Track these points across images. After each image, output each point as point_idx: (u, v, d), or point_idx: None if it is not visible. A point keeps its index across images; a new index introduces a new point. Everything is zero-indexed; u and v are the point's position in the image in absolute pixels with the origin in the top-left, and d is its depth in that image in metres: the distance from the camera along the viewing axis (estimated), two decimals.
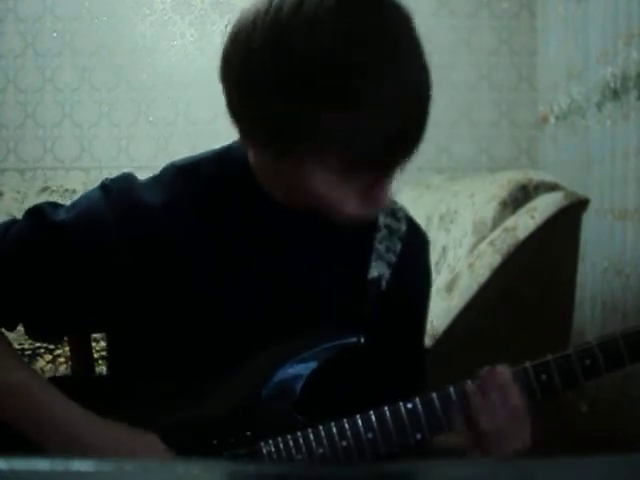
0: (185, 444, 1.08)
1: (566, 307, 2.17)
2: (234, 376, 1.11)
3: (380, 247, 1.18)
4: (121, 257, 1.08)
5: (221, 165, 1.14)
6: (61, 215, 1.10)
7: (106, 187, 1.12)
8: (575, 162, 2.82)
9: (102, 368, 1.31)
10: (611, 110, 2.46)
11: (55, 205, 1.13)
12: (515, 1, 3.41)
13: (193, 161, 1.16)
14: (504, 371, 1.09)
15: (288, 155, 1.00)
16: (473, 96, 3.40)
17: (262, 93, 0.97)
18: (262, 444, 1.09)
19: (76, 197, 1.16)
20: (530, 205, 2.08)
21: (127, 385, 1.15)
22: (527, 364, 1.09)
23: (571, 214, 2.09)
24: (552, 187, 2.13)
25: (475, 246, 2.10)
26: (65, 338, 1.33)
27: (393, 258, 1.18)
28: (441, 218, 2.47)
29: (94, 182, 1.15)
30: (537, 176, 2.21)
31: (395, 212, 1.20)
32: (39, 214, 1.11)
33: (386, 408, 1.08)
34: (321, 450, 1.08)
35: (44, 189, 3.44)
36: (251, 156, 1.10)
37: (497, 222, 2.10)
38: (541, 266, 2.10)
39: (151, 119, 3.56)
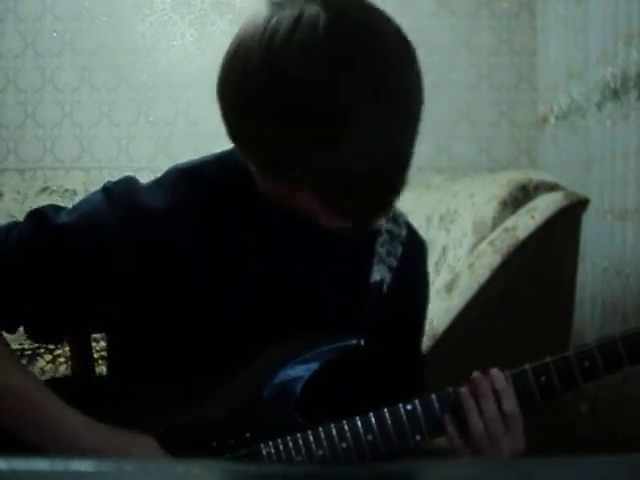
0: (185, 445, 1.08)
1: (566, 307, 2.17)
2: (234, 378, 1.11)
3: (382, 251, 1.18)
4: (123, 260, 1.08)
5: (223, 169, 1.14)
6: (63, 218, 1.10)
7: (108, 190, 1.12)
8: (575, 162, 2.81)
9: (102, 368, 1.31)
10: (611, 110, 2.46)
11: (57, 208, 1.13)
12: (515, 1, 3.41)
13: (195, 164, 1.16)
14: (498, 375, 1.09)
15: (280, 180, 0.99)
16: (473, 96, 3.40)
17: (257, 118, 0.96)
18: (262, 445, 1.09)
19: (76, 197, 1.16)
20: (530, 205, 2.08)
21: (127, 386, 1.15)
22: (526, 366, 1.10)
23: (571, 214, 2.09)
24: (552, 187, 2.13)
25: (475, 246, 2.10)
26: (65, 338, 1.33)
27: (394, 262, 1.18)
28: (441, 218, 2.47)
29: (94, 182, 1.16)
30: (537, 176, 2.20)
31: (396, 217, 1.21)
32: (41, 217, 1.11)
33: (385, 410, 1.09)
34: (321, 452, 1.08)
35: (44, 189, 3.44)
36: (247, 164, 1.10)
37: (497, 222, 2.10)
38: (541, 266, 2.10)
39: (151, 119, 3.56)
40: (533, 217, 2.03)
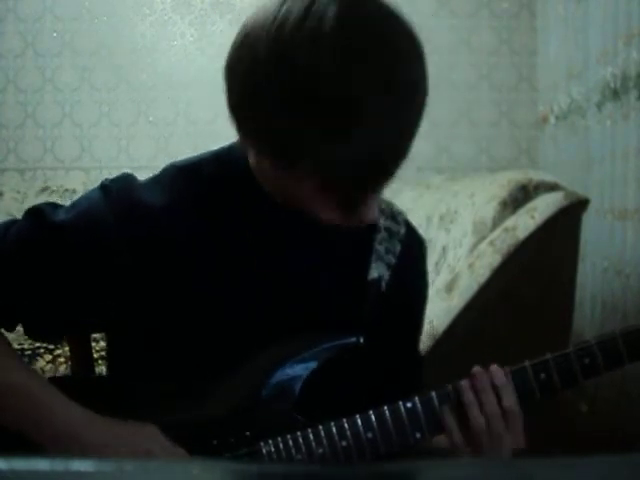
0: (185, 444, 1.08)
1: (566, 307, 2.17)
2: (234, 376, 1.11)
3: (380, 248, 1.18)
4: (121, 257, 1.08)
5: (221, 165, 1.14)
6: (61, 215, 1.10)
7: (106, 187, 1.12)
8: (575, 162, 2.82)
9: (102, 368, 1.31)
10: (611, 110, 2.46)
11: (55, 205, 1.13)
12: (515, 1, 3.41)
13: (193, 161, 1.16)
14: (498, 371, 1.09)
15: (289, 170, 1.00)
16: (473, 96, 3.40)
17: (266, 107, 0.96)
18: (262, 444, 1.09)
19: (76, 197, 1.16)
20: (530, 205, 2.08)
21: (127, 385, 1.15)
22: (526, 363, 1.10)
23: (571, 214, 2.09)
24: (552, 187, 2.13)
25: (475, 246, 2.10)
26: (65, 338, 1.33)
27: (393, 260, 1.18)
28: (441, 218, 2.47)
29: (94, 182, 1.16)
30: (537, 176, 2.20)
31: (395, 215, 1.21)
32: (39, 214, 1.11)
33: (385, 408, 1.09)
34: (321, 450, 1.08)
35: (44, 189, 3.44)
36: (251, 157, 1.10)
37: (497, 222, 2.10)
38: (541, 266, 2.10)
39: (151, 119, 3.56)
40: (533, 217, 2.03)
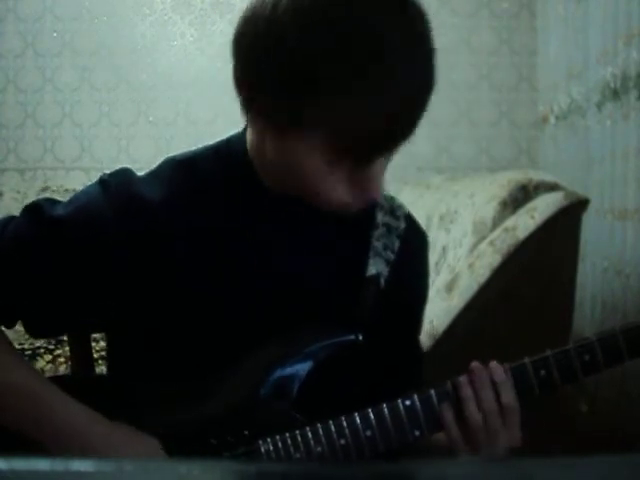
0: (184, 443, 1.08)
1: (566, 307, 2.17)
2: (232, 375, 1.11)
3: (378, 244, 1.18)
4: (119, 251, 1.08)
5: (220, 159, 1.14)
6: (59, 210, 1.10)
7: (104, 182, 1.12)
8: (575, 162, 2.82)
9: (102, 368, 1.31)
10: (611, 110, 2.46)
11: (53, 201, 1.13)
12: (515, 1, 3.41)
13: (192, 155, 1.16)
14: (497, 367, 1.09)
15: (301, 139, 1.00)
16: (473, 96, 3.40)
17: (267, 74, 0.98)
18: (260, 443, 1.09)
19: (75, 192, 1.16)
20: (530, 205, 2.08)
21: (126, 385, 1.15)
22: (526, 359, 1.09)
23: (571, 214, 2.09)
24: (552, 187, 2.13)
25: (475, 246, 2.10)
26: (65, 338, 1.33)
27: (391, 256, 1.18)
28: (441, 218, 2.47)
29: None
30: (537, 176, 2.20)
31: (394, 210, 1.21)
32: (37, 210, 1.11)
33: (384, 405, 1.08)
34: (319, 448, 1.08)
35: (44, 189, 3.44)
36: (252, 145, 1.10)
37: (497, 222, 2.10)
38: (541, 266, 2.10)
39: (151, 119, 3.57)
40: (533, 217, 2.03)
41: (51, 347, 2.45)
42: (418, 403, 1.09)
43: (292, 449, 1.08)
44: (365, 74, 0.95)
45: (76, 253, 1.08)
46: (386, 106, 0.97)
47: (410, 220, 1.22)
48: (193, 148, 1.19)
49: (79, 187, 1.16)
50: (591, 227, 2.47)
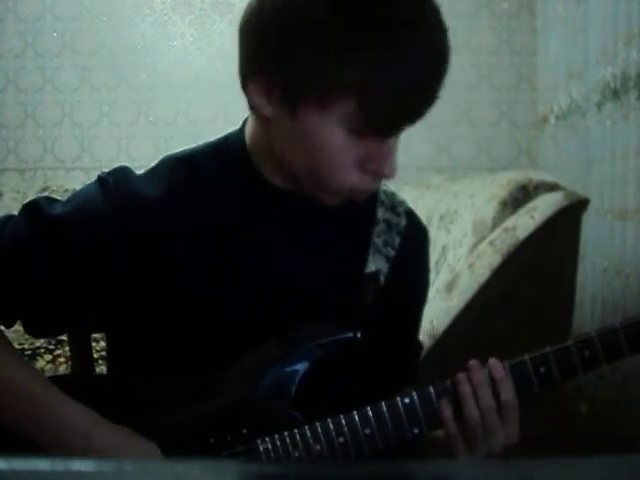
0: (183, 442, 1.08)
1: (566, 307, 2.17)
2: (231, 374, 1.11)
3: (378, 241, 1.17)
4: (118, 250, 1.08)
5: (219, 155, 1.14)
6: (57, 209, 1.10)
7: (102, 180, 1.12)
8: (575, 162, 2.82)
9: (102, 368, 1.31)
10: (611, 110, 2.46)
11: (51, 200, 1.13)
12: (515, 1, 3.41)
13: (190, 152, 1.16)
14: (496, 364, 1.09)
15: (311, 107, 1.00)
16: (473, 96, 3.40)
17: (296, 46, 0.99)
18: (259, 442, 1.09)
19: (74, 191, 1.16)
20: (530, 205, 2.08)
21: (126, 384, 1.14)
22: (525, 356, 1.09)
23: (571, 214, 2.09)
24: (552, 187, 2.13)
25: (475, 246, 2.10)
26: (65, 338, 1.33)
27: (392, 252, 1.17)
28: (441, 218, 2.47)
29: None
30: (537, 176, 2.21)
31: (395, 206, 1.20)
32: (35, 209, 1.11)
33: (383, 403, 1.08)
34: (318, 447, 1.08)
35: (44, 189, 3.44)
36: (253, 135, 1.10)
37: (497, 222, 2.10)
38: (541, 266, 2.10)
39: (151, 119, 3.57)
40: (533, 217, 2.03)
41: (51, 347, 2.45)
42: (417, 401, 1.08)
43: (291, 448, 1.08)
44: (398, 39, 0.97)
45: (75, 252, 1.08)
46: (417, 70, 0.99)
47: (411, 216, 1.22)
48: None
49: (79, 187, 1.16)
50: (591, 227, 2.47)
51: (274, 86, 1.02)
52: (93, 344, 1.32)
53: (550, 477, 0.53)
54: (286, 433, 1.08)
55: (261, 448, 1.08)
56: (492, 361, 1.09)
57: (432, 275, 1.37)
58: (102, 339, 1.26)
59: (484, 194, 2.23)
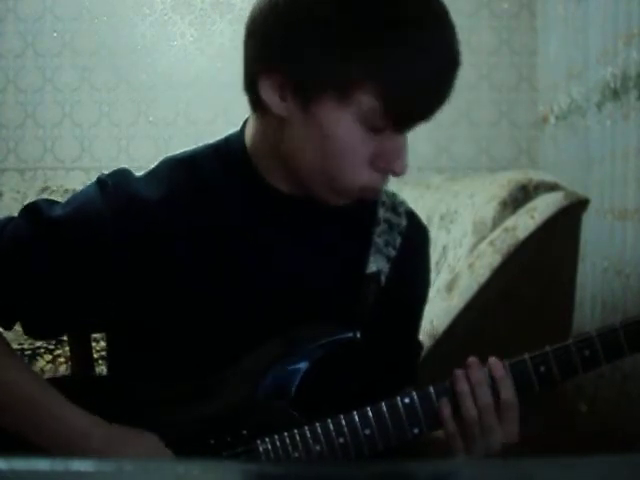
0: (183, 443, 1.08)
1: (566, 307, 2.17)
2: (231, 375, 1.11)
3: (379, 241, 1.17)
4: (118, 252, 1.08)
5: (219, 157, 1.14)
6: (57, 211, 1.10)
7: (102, 182, 1.12)
8: (575, 162, 2.82)
9: (102, 368, 1.31)
10: (611, 110, 2.46)
11: (51, 202, 1.13)
12: (515, 1, 3.41)
13: (191, 154, 1.16)
14: (496, 363, 1.09)
15: (325, 102, 1.00)
16: (473, 96, 3.40)
17: (314, 41, 1.00)
18: (259, 442, 1.09)
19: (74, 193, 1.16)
20: (530, 205, 2.08)
21: (126, 385, 1.14)
22: (525, 355, 1.09)
23: (571, 214, 2.09)
24: (552, 187, 2.13)
25: (475, 246, 2.10)
26: (65, 338, 1.33)
27: (393, 252, 1.17)
28: (441, 218, 2.47)
29: None
30: (537, 176, 2.21)
31: (396, 206, 1.21)
32: (35, 211, 1.11)
33: (383, 403, 1.08)
34: (318, 447, 1.08)
35: (44, 189, 3.44)
36: (255, 136, 1.10)
37: (497, 222, 2.10)
38: (541, 266, 2.10)
39: (151, 119, 3.57)
40: (533, 217, 2.03)
41: (51, 347, 2.45)
42: (417, 401, 1.08)
43: (291, 448, 1.08)
44: (418, 34, 0.99)
45: (74, 254, 1.08)
46: (435, 63, 1.00)
47: (412, 216, 1.22)
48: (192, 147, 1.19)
49: (79, 187, 1.16)
50: (591, 227, 2.47)
51: (288, 83, 1.02)
52: (93, 344, 1.32)
53: (550, 477, 0.53)
54: (286, 434, 1.08)
55: (261, 449, 1.08)
56: (492, 360, 1.09)
57: (432, 275, 1.37)
58: (102, 339, 1.26)
59: (484, 194, 2.23)
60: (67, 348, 1.34)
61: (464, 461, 1.02)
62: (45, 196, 3.31)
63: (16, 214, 1.13)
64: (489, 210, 2.13)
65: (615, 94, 2.42)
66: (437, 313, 1.93)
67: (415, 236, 1.22)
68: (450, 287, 2.00)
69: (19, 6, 3.60)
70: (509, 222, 2.06)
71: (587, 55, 2.69)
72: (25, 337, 1.15)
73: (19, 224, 1.11)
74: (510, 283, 2.03)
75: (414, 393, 1.09)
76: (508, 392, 1.07)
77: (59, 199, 1.16)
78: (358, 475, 0.53)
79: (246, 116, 1.14)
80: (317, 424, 1.08)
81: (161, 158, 1.19)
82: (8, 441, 1.03)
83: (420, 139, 3.33)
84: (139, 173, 1.16)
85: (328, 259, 1.16)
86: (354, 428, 1.08)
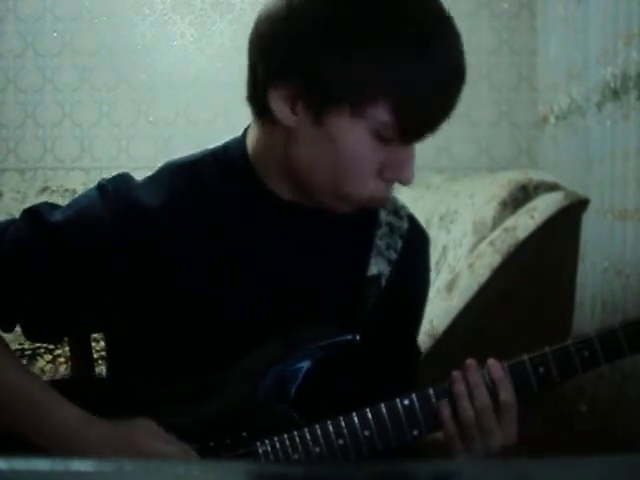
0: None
1: (566, 307, 2.17)
2: (230, 376, 1.11)
3: (380, 244, 1.18)
4: (118, 256, 1.08)
5: (220, 163, 1.14)
6: (57, 216, 1.10)
7: (102, 187, 1.12)
8: (575, 162, 2.82)
9: (102, 368, 1.31)
10: (611, 110, 2.46)
11: (52, 206, 1.13)
12: (515, 1, 3.41)
13: (191, 159, 1.16)
14: (495, 365, 1.09)
15: (334, 114, 1.01)
16: (473, 96, 3.40)
17: (328, 52, 1.00)
18: (258, 444, 1.09)
19: (74, 197, 1.16)
20: (530, 205, 2.08)
21: (125, 386, 1.15)
22: (524, 356, 1.08)
23: (571, 214, 2.09)
24: (552, 187, 2.13)
25: (475, 246, 2.10)
26: (65, 338, 1.33)
27: (394, 255, 1.18)
28: (441, 218, 2.47)
29: (94, 182, 1.16)
30: (537, 176, 2.21)
31: (397, 210, 1.21)
32: (36, 215, 1.11)
33: (382, 405, 1.08)
34: (318, 449, 1.08)
35: (44, 189, 3.44)
36: (257, 145, 1.10)
37: (497, 222, 2.10)
38: (541, 266, 2.10)
39: (151, 119, 3.57)
40: (533, 217, 2.03)
41: (51, 347, 2.45)
42: (416, 402, 1.08)
43: (290, 450, 1.08)
44: (428, 42, 1.00)
45: (74, 258, 1.08)
46: (447, 78, 1.03)
47: (413, 220, 1.23)
48: (193, 149, 1.19)
49: (79, 187, 1.17)
50: (591, 227, 2.47)
51: (300, 96, 1.02)
52: (93, 344, 1.32)
53: (549, 477, 0.53)
54: (285, 435, 1.08)
55: (260, 451, 1.08)
56: (491, 361, 1.09)
57: (432, 275, 1.37)
58: (102, 339, 1.26)
59: (484, 194, 2.23)
60: (67, 348, 1.34)
61: (464, 461, 1.02)
62: (45, 196, 3.31)
63: (16, 214, 1.14)
64: (489, 210, 2.13)
65: (615, 94, 2.42)
66: (437, 313, 1.93)
67: (416, 240, 1.22)
68: (450, 287, 2.00)
69: (19, 6, 3.60)
70: (509, 222, 2.06)
71: (587, 55, 2.69)
72: (24, 337, 1.15)
73: (20, 227, 1.11)
74: (510, 283, 2.03)
75: (413, 395, 1.09)
76: (507, 393, 1.07)
77: (59, 199, 1.16)
78: (358, 475, 0.53)
79: (246, 116, 1.14)
80: (317, 426, 1.08)
81: (161, 158, 1.19)
82: (8, 441, 1.03)
83: None
84: (139, 173, 1.16)
85: (329, 261, 1.16)
86: (353, 430, 1.08)
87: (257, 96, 1.06)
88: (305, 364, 1.12)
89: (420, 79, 1.00)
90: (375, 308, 1.16)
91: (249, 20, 1.09)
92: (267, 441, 1.08)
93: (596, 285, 2.56)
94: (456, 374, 1.08)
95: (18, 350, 2.28)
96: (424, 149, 1.06)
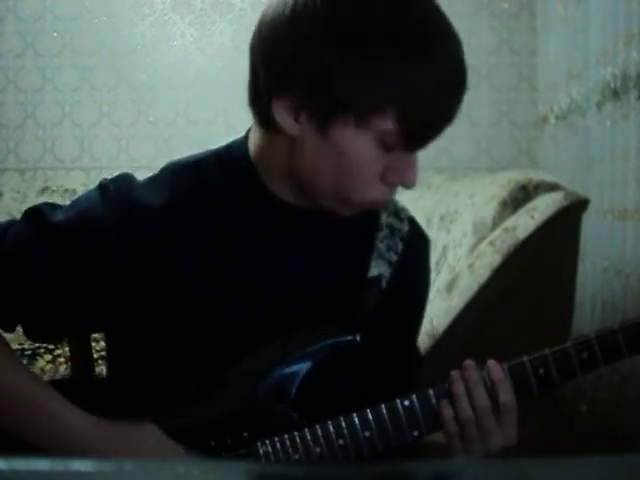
0: (182, 446, 1.08)
1: (566, 307, 2.17)
2: (231, 376, 1.11)
3: (381, 246, 1.18)
4: (119, 256, 1.08)
5: (222, 164, 1.14)
6: (59, 216, 1.10)
7: (104, 187, 1.12)
8: (575, 162, 2.82)
9: (102, 368, 1.31)
10: (611, 110, 2.46)
11: (53, 206, 1.13)
12: (515, 1, 3.41)
13: (194, 160, 1.16)
14: (495, 366, 1.09)
15: (339, 123, 1.01)
16: (473, 96, 3.39)
17: (332, 60, 1.00)
18: (259, 445, 1.09)
19: (76, 197, 1.16)
20: (530, 205, 2.08)
21: (125, 387, 1.15)
22: (524, 358, 1.09)
23: (571, 214, 2.09)
24: (552, 187, 2.13)
25: (475, 246, 2.10)
26: (65, 338, 1.33)
27: (394, 257, 1.18)
28: (441, 218, 2.47)
29: (94, 182, 1.16)
30: (537, 176, 2.21)
31: (398, 212, 1.21)
32: (37, 215, 1.11)
33: (383, 406, 1.08)
34: (318, 449, 1.08)
35: (44, 189, 3.44)
36: (259, 149, 1.10)
37: (497, 222, 2.10)
38: (541, 266, 2.10)
39: (151, 119, 3.56)
40: (533, 217, 2.03)
41: (51, 347, 2.45)
42: (417, 403, 1.08)
43: (291, 450, 1.08)
44: (430, 43, 1.01)
45: (76, 258, 1.08)
46: (451, 86, 1.03)
47: (413, 223, 1.23)
48: (193, 149, 1.19)
49: (79, 187, 1.17)
50: (591, 227, 2.47)
51: (304, 106, 1.02)
52: (93, 344, 1.32)
53: (549, 477, 0.53)
54: (286, 436, 1.08)
55: (261, 451, 1.08)
56: (490, 363, 1.09)
57: (432, 275, 1.37)
58: (102, 339, 1.26)
59: (484, 194, 2.23)
60: (67, 348, 1.34)
61: (464, 461, 1.02)
62: (45, 196, 3.31)
63: (16, 214, 1.14)
64: (489, 210, 2.13)
65: (615, 94, 2.42)
66: (437, 313, 1.93)
67: (417, 242, 1.23)
68: (450, 287, 2.00)
69: (19, 6, 3.60)
70: (509, 222, 2.06)
71: (587, 55, 2.69)
72: (25, 337, 1.15)
73: (21, 227, 1.11)
74: (510, 283, 2.03)
75: (414, 396, 1.09)
76: (507, 395, 1.07)
77: (59, 199, 1.16)
78: (358, 475, 0.53)
79: (246, 117, 1.14)
80: (317, 426, 1.08)
81: (161, 158, 1.19)
82: (8, 441, 1.03)
83: None
84: (139, 173, 1.16)
85: (329, 262, 1.16)
86: (354, 430, 1.08)
87: (260, 106, 1.06)
88: (305, 365, 1.12)
89: (422, 79, 1.00)
90: (375, 310, 1.16)
91: (249, 20, 1.09)
92: (268, 441, 1.09)
93: (596, 285, 2.56)
94: (455, 374, 1.09)
95: (18, 350, 2.28)
96: (424, 149, 1.06)
